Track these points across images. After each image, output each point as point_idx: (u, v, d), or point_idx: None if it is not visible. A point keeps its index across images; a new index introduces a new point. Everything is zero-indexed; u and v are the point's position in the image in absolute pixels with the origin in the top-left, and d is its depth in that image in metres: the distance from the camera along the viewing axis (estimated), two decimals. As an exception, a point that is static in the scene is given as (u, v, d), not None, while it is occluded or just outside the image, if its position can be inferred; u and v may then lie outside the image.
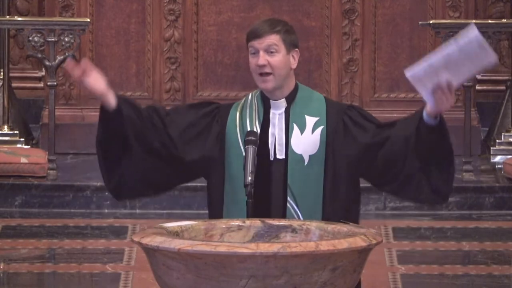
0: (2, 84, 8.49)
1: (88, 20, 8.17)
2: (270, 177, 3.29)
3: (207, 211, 3.47)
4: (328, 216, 3.26)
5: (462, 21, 8.28)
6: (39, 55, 7.67)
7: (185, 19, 9.74)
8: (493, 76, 9.82)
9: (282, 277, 2.76)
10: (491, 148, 7.67)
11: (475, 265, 6.07)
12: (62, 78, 8.90)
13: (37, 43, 7.69)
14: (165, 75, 9.34)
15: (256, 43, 3.30)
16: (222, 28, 9.71)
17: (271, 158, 3.32)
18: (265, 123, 3.35)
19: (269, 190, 3.29)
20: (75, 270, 5.93)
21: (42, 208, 6.92)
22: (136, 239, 2.93)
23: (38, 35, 7.77)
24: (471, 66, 3.10)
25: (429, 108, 3.19)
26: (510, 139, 7.64)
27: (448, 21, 8.32)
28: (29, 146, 7.67)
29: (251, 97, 3.45)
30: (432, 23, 7.87)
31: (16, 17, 8.76)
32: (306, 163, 3.31)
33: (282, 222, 3.17)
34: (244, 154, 3.27)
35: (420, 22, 8.28)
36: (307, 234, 3.08)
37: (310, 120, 3.35)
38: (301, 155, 3.32)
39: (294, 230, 3.10)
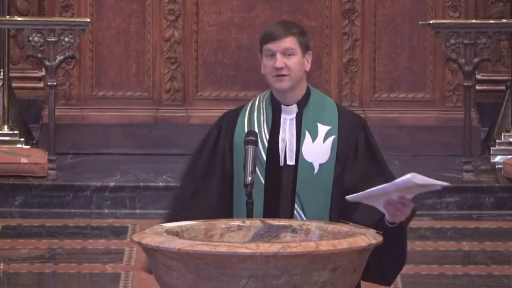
0: (2, 84, 8.49)
1: (88, 20, 8.17)
2: (280, 183, 3.29)
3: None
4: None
5: (462, 21, 8.28)
6: (39, 55, 7.67)
7: (185, 19, 9.75)
8: (493, 76, 9.82)
9: (282, 277, 2.75)
10: (491, 148, 7.67)
11: (475, 265, 6.07)
12: (62, 78, 8.90)
13: (37, 43, 7.70)
14: (165, 75, 9.34)
15: (273, 46, 3.29)
16: (222, 28, 9.71)
17: (281, 164, 3.31)
18: (275, 128, 3.34)
19: (278, 196, 3.29)
20: (75, 270, 5.93)
21: (42, 208, 6.92)
22: (136, 239, 2.93)
23: (38, 35, 7.77)
24: (420, 190, 3.09)
25: (387, 215, 3.12)
26: (510, 139, 7.64)
27: (448, 21, 8.32)
28: (29, 146, 7.67)
29: (259, 100, 3.44)
30: (432, 23, 7.86)
31: (16, 17, 8.76)
32: (315, 171, 3.30)
33: (282, 222, 3.17)
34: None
35: (420, 22, 8.27)
36: (307, 234, 3.08)
37: (322, 129, 3.33)
38: (311, 163, 3.31)
39: (294, 230, 3.10)
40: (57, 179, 7.14)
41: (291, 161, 3.32)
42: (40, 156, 7.21)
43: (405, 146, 7.98)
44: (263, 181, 3.26)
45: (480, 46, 7.72)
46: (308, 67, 3.37)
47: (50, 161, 7.15)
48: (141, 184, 7.11)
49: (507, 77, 8.61)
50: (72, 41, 7.99)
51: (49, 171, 7.09)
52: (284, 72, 3.28)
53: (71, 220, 6.75)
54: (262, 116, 3.37)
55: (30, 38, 7.74)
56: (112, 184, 7.05)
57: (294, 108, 3.35)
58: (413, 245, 6.27)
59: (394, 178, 3.13)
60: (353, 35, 11.53)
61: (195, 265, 2.78)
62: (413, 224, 6.63)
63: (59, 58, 7.64)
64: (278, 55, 3.28)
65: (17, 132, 7.79)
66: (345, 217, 3.23)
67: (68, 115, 8.39)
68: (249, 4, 12.36)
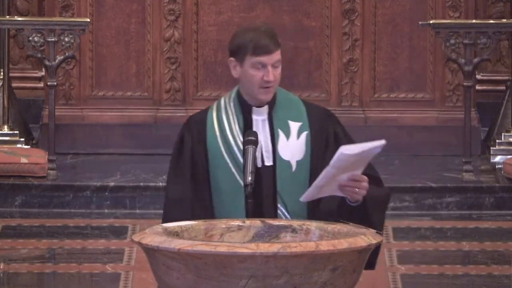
0: (2, 84, 8.49)
1: (88, 20, 8.17)
2: (260, 184, 3.29)
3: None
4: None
5: (462, 21, 8.28)
6: (39, 55, 7.67)
7: (185, 19, 9.75)
8: (493, 76, 9.82)
9: (282, 277, 2.76)
10: (491, 148, 7.67)
11: (475, 265, 6.07)
12: (62, 78, 8.90)
13: (37, 43, 7.70)
14: (165, 75, 9.33)
15: (266, 59, 3.32)
16: (222, 28, 9.71)
17: (259, 165, 3.32)
18: (247, 130, 3.35)
19: (260, 197, 3.29)
20: (75, 270, 5.92)
21: (42, 208, 6.92)
22: (136, 239, 2.93)
23: (38, 35, 7.77)
24: (363, 161, 3.09)
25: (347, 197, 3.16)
26: (510, 139, 7.64)
27: (448, 21, 8.32)
28: (29, 146, 7.67)
29: (225, 102, 3.44)
30: (432, 23, 7.87)
31: (16, 17, 8.75)
32: (294, 169, 3.32)
33: (282, 222, 3.18)
34: (229, 163, 3.27)
35: (420, 22, 8.28)
36: (307, 234, 3.08)
37: (294, 126, 3.36)
38: (288, 161, 3.33)
39: (294, 230, 3.10)
40: (57, 179, 7.14)
41: (269, 162, 3.35)
42: (40, 156, 7.20)
43: (405, 146, 7.97)
44: (242, 183, 3.26)
45: (480, 46, 7.72)
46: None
47: (50, 161, 7.15)
48: (141, 184, 7.11)
49: (507, 77, 8.61)
50: (72, 41, 7.99)
51: (49, 171, 7.09)
52: (272, 84, 3.31)
53: (71, 220, 6.75)
54: (231, 118, 3.37)
55: (30, 38, 7.74)
56: (112, 184, 7.05)
57: (265, 109, 3.38)
58: (413, 245, 6.29)
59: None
60: (353, 35, 11.53)
61: (195, 265, 2.78)
62: (413, 224, 6.66)
63: (59, 58, 7.64)
64: (270, 68, 3.31)
65: (17, 132, 7.79)
66: (315, 209, 3.26)
67: (68, 115, 8.39)
68: (249, 4, 12.35)
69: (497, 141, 7.69)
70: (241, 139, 3.33)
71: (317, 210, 3.29)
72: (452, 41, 8.54)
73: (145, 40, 9.36)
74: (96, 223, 6.72)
